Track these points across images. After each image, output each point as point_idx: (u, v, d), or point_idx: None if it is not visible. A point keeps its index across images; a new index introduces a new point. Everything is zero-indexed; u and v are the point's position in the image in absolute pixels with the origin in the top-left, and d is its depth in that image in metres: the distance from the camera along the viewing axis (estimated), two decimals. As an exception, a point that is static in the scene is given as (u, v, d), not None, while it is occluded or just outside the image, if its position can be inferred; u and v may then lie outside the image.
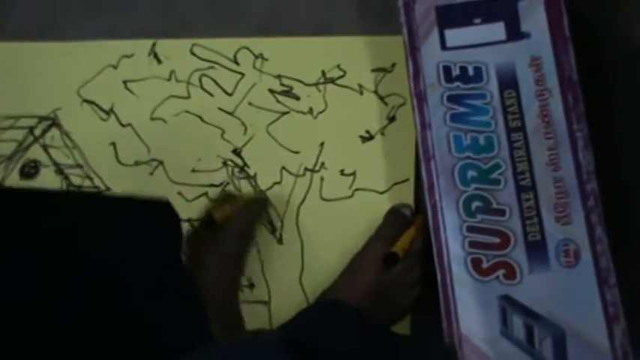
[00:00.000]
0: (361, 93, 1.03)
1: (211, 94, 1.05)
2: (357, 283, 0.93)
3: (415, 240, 0.94)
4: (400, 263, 0.92)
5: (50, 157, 1.05)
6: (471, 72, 0.92)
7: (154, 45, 1.07)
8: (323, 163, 1.02)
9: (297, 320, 0.91)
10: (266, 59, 1.05)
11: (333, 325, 0.88)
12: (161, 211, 0.90)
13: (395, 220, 0.97)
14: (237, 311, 0.98)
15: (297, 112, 1.04)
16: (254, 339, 0.78)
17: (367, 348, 0.86)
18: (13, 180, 1.04)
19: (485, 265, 0.87)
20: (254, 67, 1.05)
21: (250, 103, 1.05)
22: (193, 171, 1.03)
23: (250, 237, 0.99)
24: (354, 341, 0.86)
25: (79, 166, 1.05)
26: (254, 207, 1.00)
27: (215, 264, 0.94)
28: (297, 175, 1.02)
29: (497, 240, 0.87)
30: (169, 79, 1.06)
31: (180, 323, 0.84)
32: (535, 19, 0.92)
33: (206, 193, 1.02)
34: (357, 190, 1.01)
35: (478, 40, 0.93)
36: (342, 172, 1.02)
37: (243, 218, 0.97)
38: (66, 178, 1.05)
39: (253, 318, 0.99)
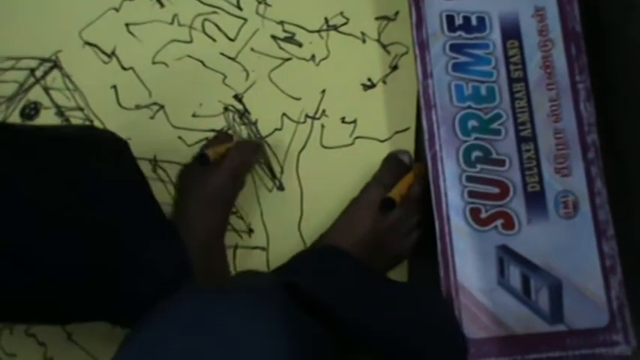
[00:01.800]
0: (364, 41, 1.03)
1: (214, 39, 1.05)
2: (353, 229, 0.93)
3: (413, 186, 0.94)
4: (397, 209, 0.92)
5: (51, 99, 1.05)
6: (474, 21, 0.92)
7: (157, -12, 1.07)
8: (324, 111, 1.02)
9: (292, 264, 0.92)
10: (269, 5, 1.05)
11: (328, 270, 0.89)
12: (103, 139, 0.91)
13: (393, 166, 0.97)
14: (222, 251, 0.99)
15: (299, 58, 1.03)
16: (247, 281, 0.78)
17: (362, 294, 0.86)
18: (14, 121, 1.04)
19: (483, 215, 0.88)
20: (257, 13, 1.05)
21: (252, 49, 1.04)
22: (194, 116, 1.03)
23: (241, 177, 0.99)
24: (349, 287, 0.86)
25: (80, 109, 1.04)
26: (248, 148, 1.00)
27: (202, 200, 0.94)
28: (297, 122, 1.02)
29: (496, 190, 0.88)
30: (172, 23, 1.05)
31: (155, 255, 0.85)
32: (540, -31, 0.91)
33: (206, 138, 1.02)
34: (357, 138, 1.01)
35: (482, -11, 0.92)
36: (343, 120, 1.02)
37: (236, 157, 0.96)
38: (66, 120, 1.04)
39: (252, 263, 0.99)
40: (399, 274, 0.97)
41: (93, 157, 0.85)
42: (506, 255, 0.86)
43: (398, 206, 0.91)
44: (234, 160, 0.96)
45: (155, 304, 0.74)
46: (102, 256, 0.79)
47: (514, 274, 0.86)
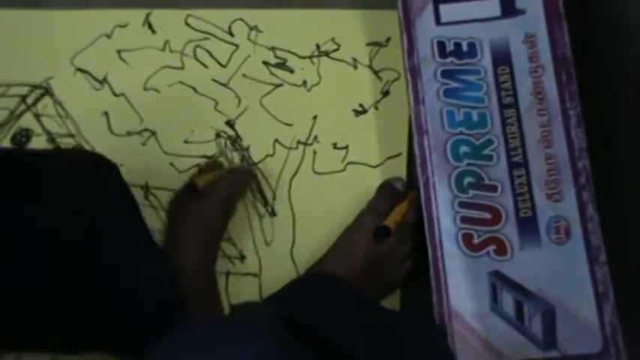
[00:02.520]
0: (355, 67, 1.03)
1: (205, 66, 1.05)
2: (347, 256, 0.93)
3: (407, 214, 0.94)
4: (391, 237, 0.92)
5: (42, 126, 1.05)
6: (465, 47, 0.92)
7: (148, 15, 1.07)
8: (316, 137, 1.02)
9: (286, 293, 0.91)
10: (260, 31, 1.05)
11: (323, 298, 0.88)
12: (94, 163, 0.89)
13: (387, 193, 0.97)
14: (212, 280, 0.98)
15: (291, 84, 1.04)
16: (246, 316, 0.78)
17: (357, 323, 0.86)
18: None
19: (476, 240, 0.88)
20: (248, 39, 1.05)
21: (244, 75, 1.04)
22: (186, 142, 1.03)
23: (231, 205, 0.98)
24: (344, 316, 0.86)
25: (71, 135, 1.04)
26: (238, 175, 1.00)
27: (192, 228, 0.94)
28: (289, 148, 1.02)
29: (488, 216, 0.88)
30: (163, 50, 1.05)
31: (143, 289, 0.84)
32: (530, -4, 0.92)
33: (198, 165, 1.02)
34: (349, 163, 1.01)
35: (473, 16, 0.93)
36: (334, 146, 1.02)
37: (225, 185, 0.96)
38: (58, 147, 1.04)
39: (244, 290, 0.99)
40: (392, 300, 0.97)
41: (81, 181, 0.84)
42: (499, 281, 0.86)
43: (392, 234, 0.91)
44: (224, 188, 0.96)
45: (143, 330, 0.74)
46: (88, 280, 0.78)
47: (507, 300, 0.86)
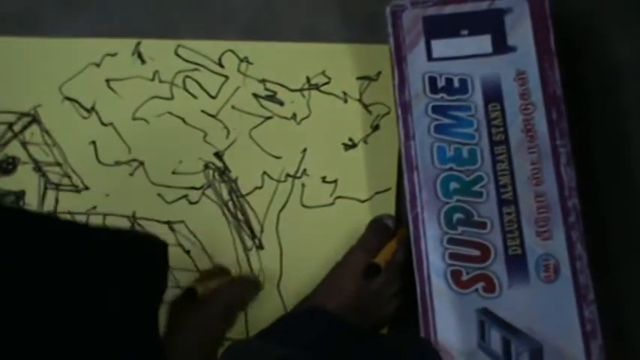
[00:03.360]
0: (345, 101, 1.03)
1: (195, 96, 1.05)
2: (336, 293, 0.92)
3: (397, 252, 0.94)
4: (381, 274, 0.91)
5: (29, 154, 1.04)
6: (456, 84, 0.92)
7: (138, 44, 1.06)
8: (305, 170, 1.02)
9: (279, 328, 0.91)
10: (251, 63, 1.05)
11: (316, 332, 0.88)
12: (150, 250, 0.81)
13: (377, 230, 0.97)
14: None
15: (281, 117, 1.03)
16: (244, 358, 0.77)
17: (354, 353, 0.85)
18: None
19: (464, 277, 0.87)
20: (238, 71, 1.05)
21: (234, 107, 1.04)
22: (174, 173, 1.02)
23: (231, 318, 0.97)
24: (338, 348, 0.85)
25: (58, 164, 1.04)
26: (240, 286, 0.99)
27: (190, 338, 0.92)
28: (278, 181, 1.02)
29: (477, 253, 0.88)
30: (153, 80, 1.05)
31: None
32: (521, 33, 0.92)
33: (186, 196, 1.02)
34: (338, 197, 1.01)
35: (464, 52, 0.93)
36: (323, 180, 1.01)
37: (226, 297, 0.95)
38: (44, 175, 1.03)
39: (230, 323, 0.98)
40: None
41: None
42: (487, 318, 0.86)
43: (382, 272, 0.91)
44: (224, 298, 0.94)
45: None
46: None
47: (495, 338, 0.86)
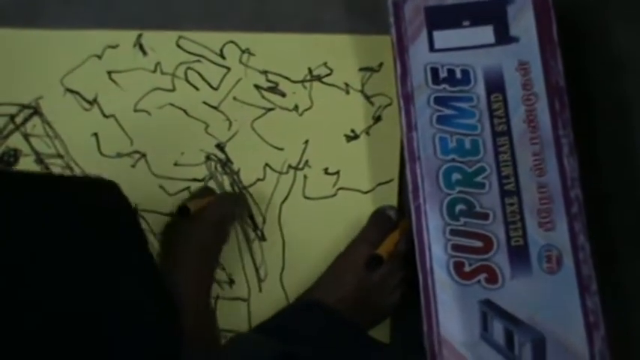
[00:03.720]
0: (347, 92, 1.03)
1: (196, 88, 1.05)
2: (339, 285, 0.92)
3: (399, 243, 0.94)
4: (383, 266, 0.92)
5: (31, 146, 1.04)
6: (458, 74, 0.92)
7: (139, 36, 1.06)
8: (307, 161, 1.02)
9: (278, 322, 0.91)
10: (253, 54, 1.05)
11: (315, 328, 0.88)
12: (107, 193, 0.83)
13: (380, 222, 0.97)
14: (209, 307, 0.97)
15: (283, 108, 1.03)
16: (245, 351, 0.77)
17: (347, 354, 0.85)
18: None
19: (467, 268, 0.87)
20: (240, 62, 1.05)
21: (235, 98, 1.04)
22: (176, 164, 1.02)
23: (223, 230, 0.98)
24: (334, 346, 0.85)
25: (60, 156, 1.04)
26: (229, 200, 1.00)
27: (187, 255, 0.93)
28: (280, 173, 1.02)
29: (479, 244, 0.87)
30: (154, 71, 1.05)
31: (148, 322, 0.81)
32: (524, 24, 0.92)
33: (188, 188, 1.02)
34: (340, 189, 1.01)
35: (466, 43, 0.93)
36: (325, 171, 1.01)
37: (217, 210, 0.96)
38: (46, 167, 1.03)
39: (232, 314, 0.98)
40: (381, 328, 0.96)
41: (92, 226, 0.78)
42: (489, 309, 0.86)
43: (384, 263, 0.91)
44: (216, 211, 0.96)
45: None
46: (98, 325, 0.76)
47: (497, 329, 0.86)
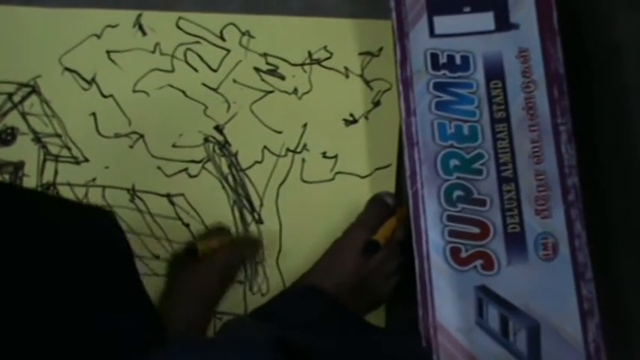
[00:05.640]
0: (347, 76, 1.03)
1: (196, 69, 1.04)
2: (336, 270, 0.93)
3: (396, 230, 0.94)
4: (380, 252, 0.92)
5: (28, 125, 1.04)
6: (458, 60, 0.92)
7: (139, 16, 1.06)
8: (305, 145, 1.02)
9: (274, 307, 0.91)
10: (253, 37, 1.04)
11: (310, 314, 0.88)
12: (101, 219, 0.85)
13: (377, 207, 0.97)
14: None
15: (282, 91, 1.03)
16: (239, 334, 0.77)
17: (342, 339, 0.86)
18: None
19: (463, 254, 0.87)
20: (240, 44, 1.04)
21: (235, 81, 1.04)
22: (174, 146, 1.02)
23: (229, 276, 0.98)
24: (329, 331, 0.86)
25: (58, 135, 1.03)
26: (241, 246, 0.99)
27: (188, 296, 0.93)
28: (278, 156, 1.02)
29: (476, 230, 0.88)
30: (154, 52, 1.05)
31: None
32: (524, 11, 0.92)
33: (186, 169, 1.02)
34: (338, 173, 1.01)
35: (467, 29, 0.93)
36: (324, 155, 1.01)
37: (227, 256, 0.96)
38: (43, 146, 1.03)
39: (229, 297, 0.98)
40: (377, 313, 0.97)
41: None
42: (485, 295, 0.86)
43: (381, 249, 0.91)
44: (224, 257, 0.95)
45: None
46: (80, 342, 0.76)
47: (493, 315, 0.86)
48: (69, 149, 1.03)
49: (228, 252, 0.96)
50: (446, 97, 0.91)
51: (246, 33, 1.05)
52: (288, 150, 1.02)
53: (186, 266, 0.95)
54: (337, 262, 0.94)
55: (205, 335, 0.95)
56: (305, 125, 1.02)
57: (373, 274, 0.93)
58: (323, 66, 1.03)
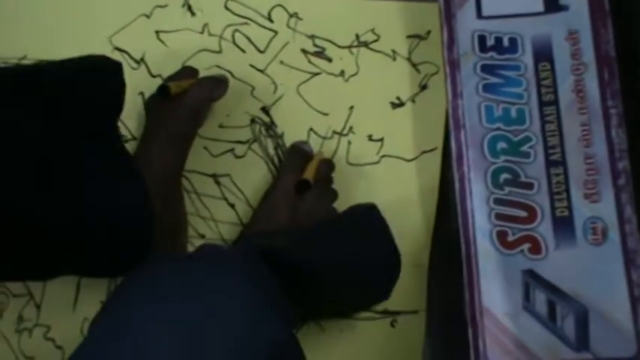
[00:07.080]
0: (394, 59, 1.02)
1: (243, 51, 1.04)
2: (274, 217, 0.94)
3: (320, 167, 0.96)
4: (313, 189, 0.93)
5: (78, 104, 1.05)
6: (506, 42, 0.91)
7: (188, -3, 1.07)
8: (351, 127, 1.01)
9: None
10: (300, 18, 1.04)
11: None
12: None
13: (297, 153, 0.99)
14: (178, 190, 0.98)
15: (329, 74, 1.03)
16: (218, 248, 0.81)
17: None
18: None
19: (510, 238, 0.87)
20: (288, 26, 1.04)
21: (282, 62, 1.04)
22: (221, 126, 1.02)
23: (202, 113, 0.98)
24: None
25: (107, 114, 1.04)
26: (210, 84, 0.99)
27: (157, 140, 0.93)
28: (324, 138, 1.01)
29: (524, 213, 0.87)
30: (202, 33, 1.05)
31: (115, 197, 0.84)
32: (575, -8, 0.91)
33: (232, 150, 1.02)
34: (384, 156, 1.00)
35: (515, 11, 0.92)
36: (370, 138, 1.01)
37: (196, 94, 0.96)
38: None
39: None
40: (418, 295, 0.96)
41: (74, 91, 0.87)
42: (532, 280, 0.85)
43: (313, 187, 0.93)
44: (193, 97, 0.95)
45: (115, 247, 0.81)
46: (60, 194, 0.79)
47: (540, 300, 0.85)
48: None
49: (198, 91, 0.96)
50: (493, 80, 0.90)
51: (294, 15, 1.04)
52: (334, 132, 1.01)
53: (159, 107, 0.96)
54: (274, 207, 0.94)
55: (180, 183, 0.99)
56: (351, 108, 1.02)
57: (310, 215, 0.94)
58: (370, 48, 1.03)
